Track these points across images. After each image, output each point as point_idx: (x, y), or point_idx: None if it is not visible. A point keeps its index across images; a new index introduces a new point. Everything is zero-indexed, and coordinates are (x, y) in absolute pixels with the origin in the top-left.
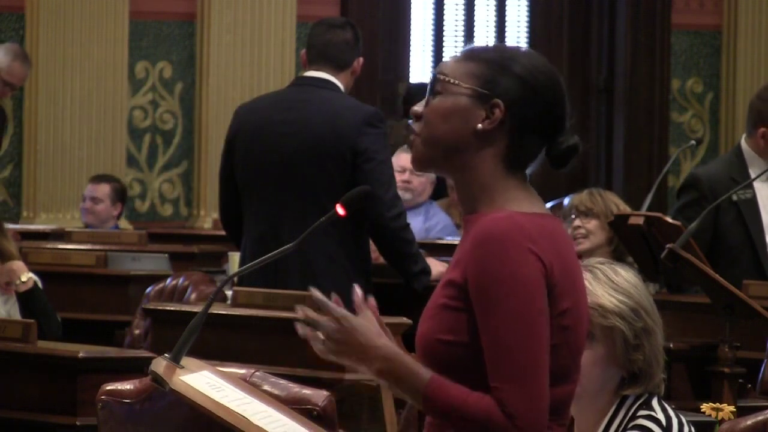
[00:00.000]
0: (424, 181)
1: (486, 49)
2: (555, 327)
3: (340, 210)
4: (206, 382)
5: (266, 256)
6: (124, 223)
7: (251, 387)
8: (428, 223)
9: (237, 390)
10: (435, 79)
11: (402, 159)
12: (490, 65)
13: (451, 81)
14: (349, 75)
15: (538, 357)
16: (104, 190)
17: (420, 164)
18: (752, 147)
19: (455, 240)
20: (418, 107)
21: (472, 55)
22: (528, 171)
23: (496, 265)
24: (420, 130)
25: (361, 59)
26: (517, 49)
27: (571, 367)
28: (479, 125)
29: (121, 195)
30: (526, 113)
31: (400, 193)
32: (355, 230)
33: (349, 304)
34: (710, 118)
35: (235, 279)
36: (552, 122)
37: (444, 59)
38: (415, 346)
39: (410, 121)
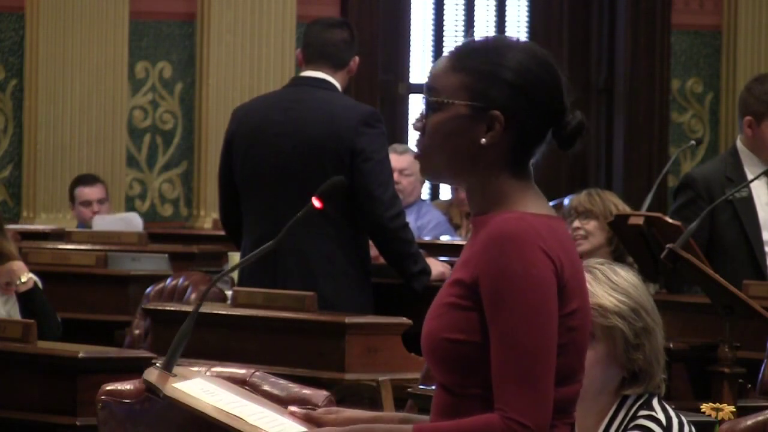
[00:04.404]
0: (413, 181)
1: (473, 53)
2: (563, 327)
3: (316, 202)
4: (200, 388)
5: (250, 254)
6: None
7: (245, 391)
8: (420, 221)
9: (231, 394)
10: (429, 93)
11: (392, 159)
12: (480, 76)
13: (446, 100)
14: (345, 74)
15: (547, 359)
16: (102, 189)
17: (431, 177)
18: (745, 143)
19: (453, 239)
20: (419, 122)
21: (460, 65)
22: (534, 159)
23: (509, 264)
24: (424, 145)
25: (357, 58)
26: (506, 48)
27: (577, 367)
28: (483, 139)
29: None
30: (525, 116)
31: None
32: (353, 231)
33: (347, 306)
34: (710, 118)
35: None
36: (552, 112)
37: (434, 64)
38: (420, 346)
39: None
